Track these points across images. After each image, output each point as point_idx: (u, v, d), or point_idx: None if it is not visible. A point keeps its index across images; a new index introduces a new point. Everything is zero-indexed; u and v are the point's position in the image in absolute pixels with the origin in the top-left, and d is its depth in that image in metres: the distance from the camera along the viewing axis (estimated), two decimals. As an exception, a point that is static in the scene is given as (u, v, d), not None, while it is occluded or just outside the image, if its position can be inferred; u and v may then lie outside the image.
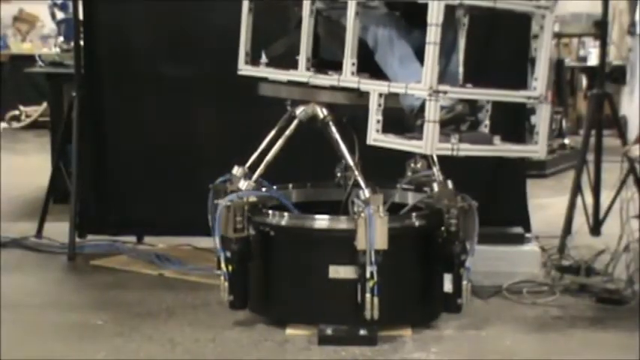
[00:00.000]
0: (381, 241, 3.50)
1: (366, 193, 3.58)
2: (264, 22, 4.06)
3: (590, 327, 3.84)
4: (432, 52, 3.37)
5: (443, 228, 3.71)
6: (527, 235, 4.63)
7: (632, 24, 8.79)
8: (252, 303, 3.84)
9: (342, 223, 3.71)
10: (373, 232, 3.48)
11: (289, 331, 3.70)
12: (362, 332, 3.59)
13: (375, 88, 3.54)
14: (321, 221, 3.73)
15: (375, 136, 3.51)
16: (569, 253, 4.66)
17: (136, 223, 4.99)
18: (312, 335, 3.63)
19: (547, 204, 5.89)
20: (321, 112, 3.80)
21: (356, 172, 3.72)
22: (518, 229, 4.62)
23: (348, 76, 3.65)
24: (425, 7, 3.38)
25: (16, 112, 9.81)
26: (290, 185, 4.21)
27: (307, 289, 3.68)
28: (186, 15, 4.79)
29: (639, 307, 3.98)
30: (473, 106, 3.62)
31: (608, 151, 5.05)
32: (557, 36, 8.16)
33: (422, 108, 3.46)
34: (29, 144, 8.59)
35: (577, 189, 4.89)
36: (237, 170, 3.89)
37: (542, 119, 3.59)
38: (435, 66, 3.38)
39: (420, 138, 3.42)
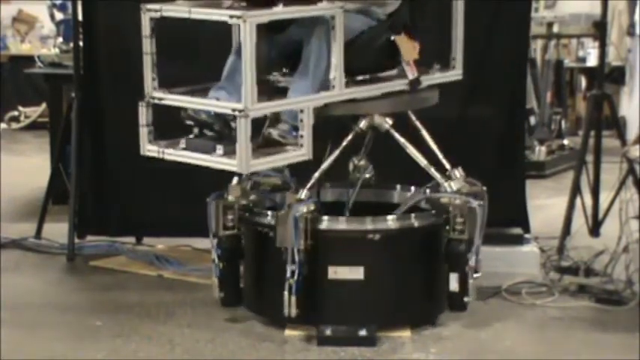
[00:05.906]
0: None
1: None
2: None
3: (590, 327, 3.84)
4: (146, 61, 3.71)
5: (447, 227, 3.72)
6: (527, 235, 4.63)
7: (632, 25, 8.78)
8: (251, 303, 3.85)
9: (341, 224, 3.71)
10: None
11: (288, 331, 3.71)
12: (361, 333, 3.59)
13: None
14: (320, 222, 3.73)
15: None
16: (569, 253, 4.66)
17: (135, 224, 4.98)
18: (311, 336, 3.63)
19: (546, 205, 5.88)
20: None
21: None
22: (518, 230, 4.62)
23: None
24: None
25: (15, 113, 9.77)
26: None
27: (306, 290, 3.67)
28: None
29: (639, 308, 3.98)
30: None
31: (607, 152, 5.04)
32: (557, 37, 8.15)
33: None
34: (28, 145, 8.56)
35: (576, 190, 4.89)
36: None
37: (240, 133, 3.42)
38: (149, 74, 3.67)
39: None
